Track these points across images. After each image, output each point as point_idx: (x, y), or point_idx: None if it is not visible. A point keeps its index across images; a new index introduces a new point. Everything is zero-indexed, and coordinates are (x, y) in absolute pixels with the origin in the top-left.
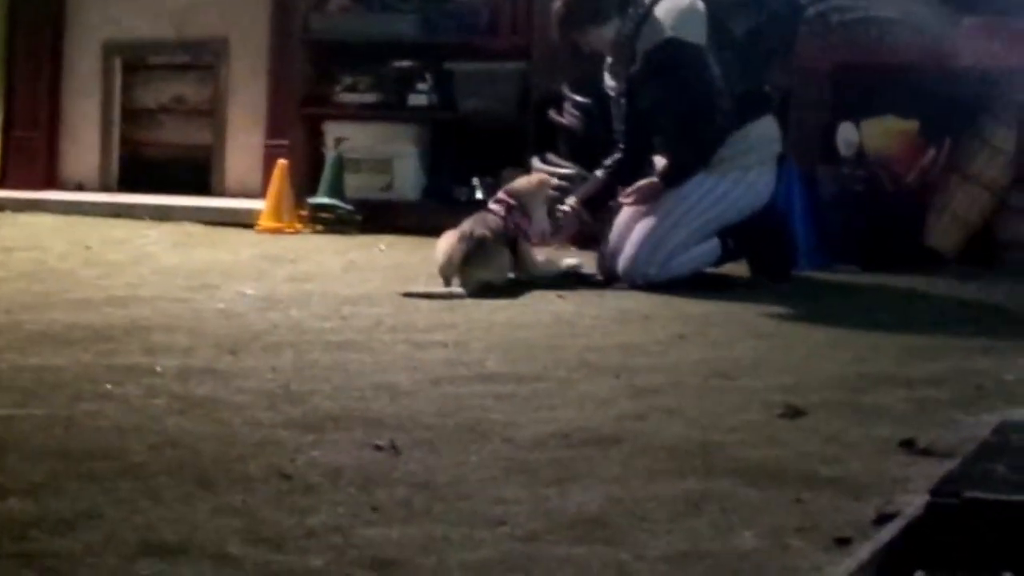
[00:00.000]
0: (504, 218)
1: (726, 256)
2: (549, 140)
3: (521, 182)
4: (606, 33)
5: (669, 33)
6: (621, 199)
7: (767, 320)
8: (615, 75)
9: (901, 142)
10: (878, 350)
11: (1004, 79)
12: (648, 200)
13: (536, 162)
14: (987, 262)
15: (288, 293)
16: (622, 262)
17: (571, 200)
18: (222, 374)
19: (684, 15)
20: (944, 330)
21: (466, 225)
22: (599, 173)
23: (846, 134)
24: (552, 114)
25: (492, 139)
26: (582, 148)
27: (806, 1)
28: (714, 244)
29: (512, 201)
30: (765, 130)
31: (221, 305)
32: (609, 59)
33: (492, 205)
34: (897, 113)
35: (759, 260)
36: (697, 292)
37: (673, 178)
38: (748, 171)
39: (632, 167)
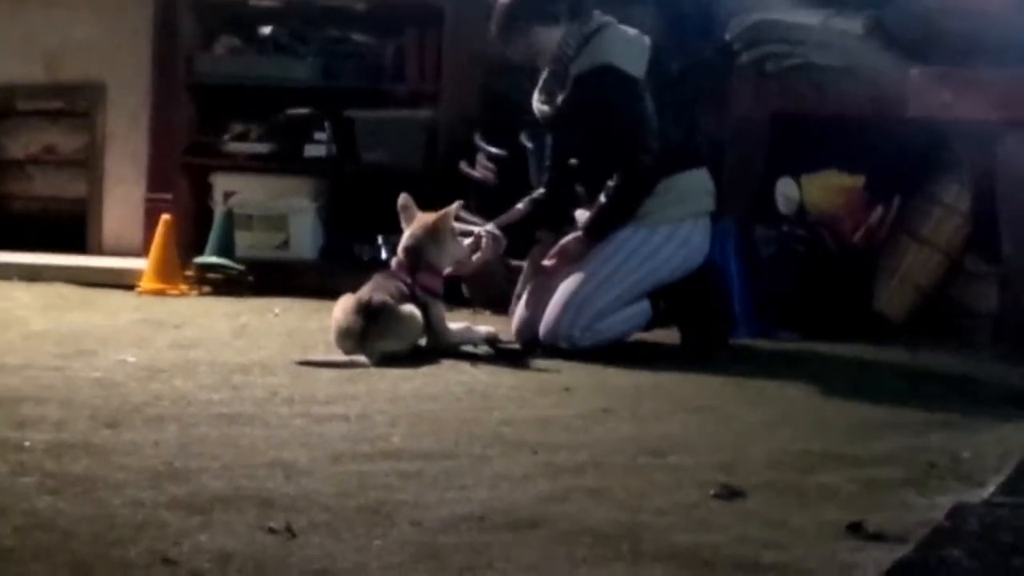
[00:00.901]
0: (409, 284)
1: (656, 321)
2: (460, 194)
3: (416, 231)
4: (551, 37)
5: (606, 59)
6: (544, 263)
7: (700, 392)
8: (548, 95)
9: (845, 199)
10: (822, 426)
11: (956, 133)
12: (572, 259)
13: None
14: (940, 329)
15: (172, 361)
16: (543, 326)
17: (490, 226)
18: (99, 449)
19: (626, 44)
20: (894, 404)
21: (364, 291)
22: (520, 205)
23: (785, 190)
24: (463, 166)
25: (397, 193)
26: (495, 203)
27: (738, 47)
28: (644, 307)
29: (413, 259)
30: (696, 182)
31: (98, 374)
32: (543, 76)
33: (395, 267)
34: (841, 168)
35: (691, 326)
36: (624, 361)
37: (598, 226)
38: (681, 224)
39: (554, 205)
